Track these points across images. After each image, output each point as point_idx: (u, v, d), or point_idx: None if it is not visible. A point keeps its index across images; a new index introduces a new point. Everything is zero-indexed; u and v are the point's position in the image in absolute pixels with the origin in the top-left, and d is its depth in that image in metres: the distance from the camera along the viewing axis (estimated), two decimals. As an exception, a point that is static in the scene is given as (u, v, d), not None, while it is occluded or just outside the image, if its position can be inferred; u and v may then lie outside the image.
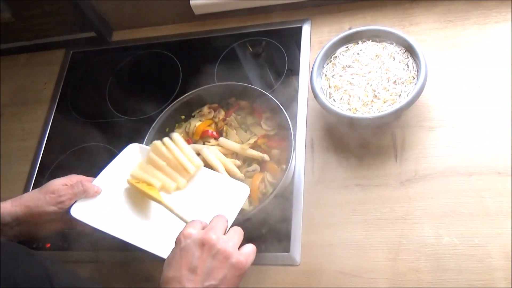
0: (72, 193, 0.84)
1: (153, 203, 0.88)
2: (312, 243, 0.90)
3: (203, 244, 0.67)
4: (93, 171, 1.09)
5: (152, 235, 0.85)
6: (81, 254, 1.02)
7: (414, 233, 0.85)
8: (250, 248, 0.70)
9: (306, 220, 0.92)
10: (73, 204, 0.84)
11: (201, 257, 0.66)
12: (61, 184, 0.86)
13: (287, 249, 0.90)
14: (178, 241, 0.69)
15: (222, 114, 1.02)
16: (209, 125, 1.01)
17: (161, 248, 0.80)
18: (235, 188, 0.86)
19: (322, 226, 0.91)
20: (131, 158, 0.92)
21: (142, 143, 0.98)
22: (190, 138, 1.01)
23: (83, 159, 1.14)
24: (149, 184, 0.88)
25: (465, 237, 0.82)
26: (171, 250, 0.70)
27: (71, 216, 0.83)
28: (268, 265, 0.90)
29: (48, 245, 1.05)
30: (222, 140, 0.98)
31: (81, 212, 0.84)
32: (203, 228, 0.70)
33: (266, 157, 0.93)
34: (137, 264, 0.97)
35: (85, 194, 0.85)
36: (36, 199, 0.83)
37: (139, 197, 0.89)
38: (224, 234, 0.70)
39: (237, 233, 0.71)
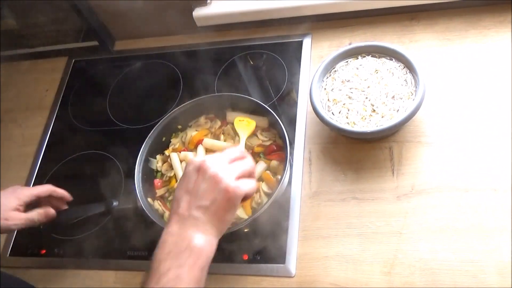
0: (22, 223, 0.91)
1: None
2: (307, 255, 0.90)
3: (199, 169, 0.72)
4: (91, 178, 1.11)
5: None
6: (74, 261, 1.02)
7: (410, 247, 0.85)
8: (247, 180, 0.73)
9: (302, 232, 0.92)
10: None
11: (196, 180, 0.71)
12: (15, 208, 0.91)
13: (282, 260, 0.90)
14: (184, 168, 0.75)
15: (218, 124, 1.03)
16: (205, 135, 1.02)
17: None
18: None
19: (318, 238, 0.91)
20: None
21: (139, 151, 0.99)
22: (186, 148, 1.02)
23: (81, 167, 1.15)
24: None
25: (460, 252, 0.83)
26: None
27: None
28: (263, 276, 0.89)
29: (43, 251, 1.05)
30: (206, 140, 0.99)
31: None
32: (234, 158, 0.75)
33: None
34: (131, 272, 0.97)
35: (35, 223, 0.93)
36: None
37: None
38: (231, 163, 0.74)
39: (241, 164, 0.74)
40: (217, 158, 0.73)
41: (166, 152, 1.03)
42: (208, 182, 0.70)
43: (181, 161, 1.00)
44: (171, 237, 0.68)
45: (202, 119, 1.04)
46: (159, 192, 0.99)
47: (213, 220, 0.70)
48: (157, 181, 1.01)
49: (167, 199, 0.99)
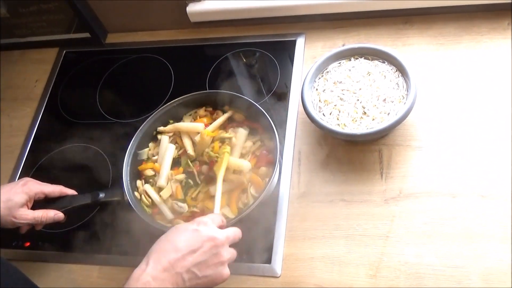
0: (28, 222, 0.90)
1: None
2: (293, 255, 0.89)
3: (212, 240, 0.73)
4: (78, 171, 1.10)
5: None
6: (59, 255, 1.01)
7: (396, 251, 0.85)
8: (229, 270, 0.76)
9: (289, 232, 0.92)
10: None
11: (203, 247, 0.72)
12: (23, 204, 0.90)
13: (268, 260, 0.90)
14: (195, 222, 0.77)
15: (220, 115, 1.02)
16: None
17: None
18: None
19: (304, 239, 0.90)
20: None
21: (128, 146, 0.99)
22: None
23: (68, 159, 1.14)
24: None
25: (445, 257, 0.83)
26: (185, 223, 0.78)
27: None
28: (249, 275, 0.89)
29: (28, 244, 1.04)
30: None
31: None
32: (218, 226, 0.78)
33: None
34: (116, 268, 0.96)
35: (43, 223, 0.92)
36: None
37: None
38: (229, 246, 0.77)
39: (234, 253, 0.78)
40: (227, 236, 0.76)
41: (158, 136, 1.03)
42: (212, 258, 0.73)
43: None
44: (155, 282, 0.69)
45: (202, 111, 1.04)
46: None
47: None
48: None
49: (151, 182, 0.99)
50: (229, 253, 0.76)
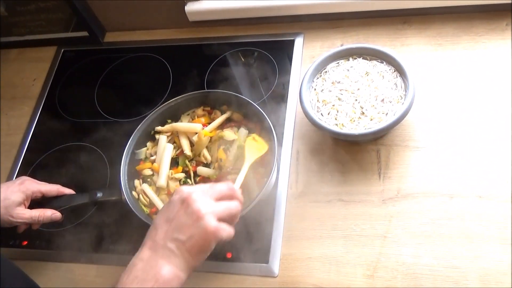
0: (25, 222, 0.91)
1: None
2: (291, 255, 0.89)
3: (183, 201, 0.70)
4: (76, 171, 1.10)
5: None
6: (56, 254, 1.01)
7: (393, 251, 0.85)
8: (227, 226, 0.72)
9: (287, 232, 0.92)
10: None
11: (178, 212, 0.70)
12: (20, 203, 0.90)
13: (266, 260, 0.90)
14: (172, 194, 0.75)
15: (218, 115, 1.02)
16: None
17: None
18: None
19: (302, 239, 0.90)
20: None
21: (126, 145, 0.99)
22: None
23: (66, 158, 1.14)
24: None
25: (443, 258, 0.83)
26: None
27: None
28: (246, 275, 0.89)
29: (25, 242, 1.04)
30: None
31: None
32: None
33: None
34: (114, 267, 0.96)
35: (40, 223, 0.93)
36: None
37: None
38: (217, 200, 0.72)
39: (227, 205, 0.73)
40: (205, 192, 0.72)
41: (156, 136, 1.03)
42: (189, 217, 0.69)
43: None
44: (141, 262, 0.68)
45: (200, 110, 1.04)
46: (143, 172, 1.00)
47: (186, 255, 0.69)
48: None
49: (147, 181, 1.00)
50: (207, 206, 0.70)
